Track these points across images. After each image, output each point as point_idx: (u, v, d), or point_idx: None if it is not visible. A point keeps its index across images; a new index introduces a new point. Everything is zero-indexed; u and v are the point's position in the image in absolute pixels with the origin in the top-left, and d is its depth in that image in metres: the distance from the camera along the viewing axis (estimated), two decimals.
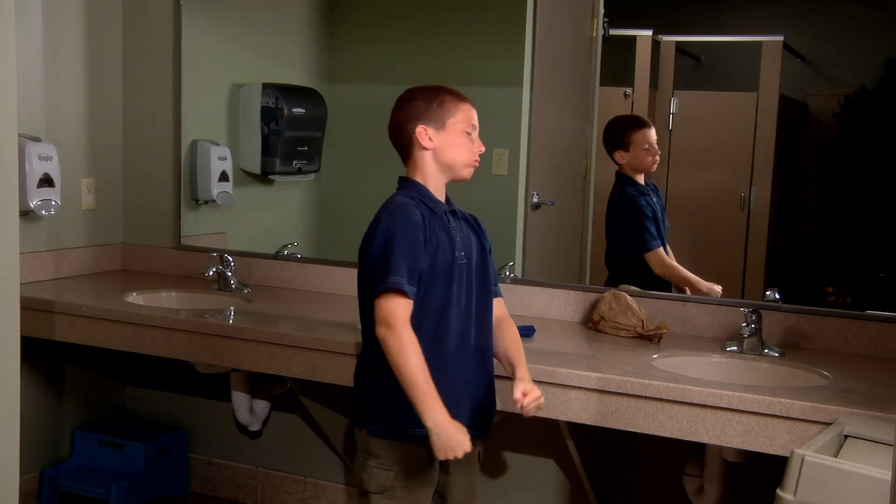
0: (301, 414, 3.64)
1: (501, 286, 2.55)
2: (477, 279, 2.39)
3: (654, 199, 3.36)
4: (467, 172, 2.39)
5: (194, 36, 3.86)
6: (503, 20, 3.58)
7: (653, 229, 3.33)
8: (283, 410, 3.69)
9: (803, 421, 2.35)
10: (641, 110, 3.44)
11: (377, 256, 2.25)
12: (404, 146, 2.39)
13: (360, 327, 2.44)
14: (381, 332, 2.19)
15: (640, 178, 3.35)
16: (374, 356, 2.28)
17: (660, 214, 3.35)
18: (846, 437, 2.13)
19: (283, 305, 3.42)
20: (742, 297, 3.19)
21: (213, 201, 3.91)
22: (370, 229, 2.33)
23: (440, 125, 2.34)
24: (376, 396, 2.33)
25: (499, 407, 2.67)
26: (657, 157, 3.33)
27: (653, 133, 3.32)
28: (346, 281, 3.59)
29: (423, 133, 2.34)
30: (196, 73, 3.88)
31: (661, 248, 3.32)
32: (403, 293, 2.20)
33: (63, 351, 3.63)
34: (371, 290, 2.26)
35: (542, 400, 2.33)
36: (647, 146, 3.31)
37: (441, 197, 2.40)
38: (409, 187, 2.38)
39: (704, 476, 2.90)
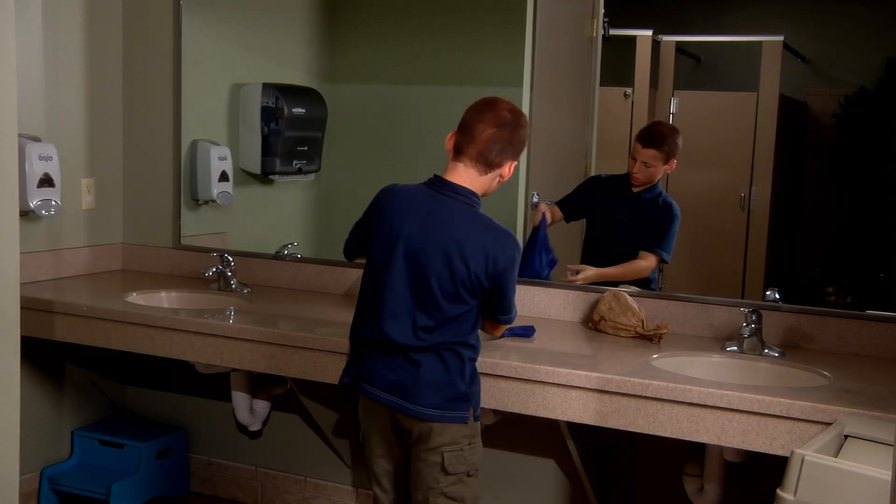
0: (301, 414, 3.64)
1: None
2: None
3: (618, 197, 3.35)
4: None
5: (194, 36, 3.86)
6: (503, 20, 3.58)
7: (571, 199, 3.45)
8: (283, 410, 3.69)
9: (803, 421, 2.35)
10: (641, 110, 3.44)
11: (508, 284, 2.50)
12: (494, 164, 2.46)
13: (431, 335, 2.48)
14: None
15: (635, 180, 3.33)
16: (474, 354, 2.52)
17: (600, 206, 3.42)
18: (846, 437, 2.13)
19: (283, 305, 3.42)
20: (742, 297, 3.19)
21: (213, 201, 3.91)
22: (500, 252, 2.44)
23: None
24: (477, 388, 2.54)
25: (497, 407, 2.69)
26: (635, 172, 3.27)
27: (643, 150, 3.25)
28: (347, 281, 3.59)
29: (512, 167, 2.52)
30: (196, 73, 3.88)
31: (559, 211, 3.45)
32: None
33: (63, 351, 3.63)
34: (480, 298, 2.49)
35: None
36: (634, 156, 3.30)
37: None
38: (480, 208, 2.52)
39: (704, 476, 2.90)
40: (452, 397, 2.45)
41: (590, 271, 3.32)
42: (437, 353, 2.44)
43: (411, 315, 2.43)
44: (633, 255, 3.34)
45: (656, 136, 3.28)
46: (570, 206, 3.44)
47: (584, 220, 3.49)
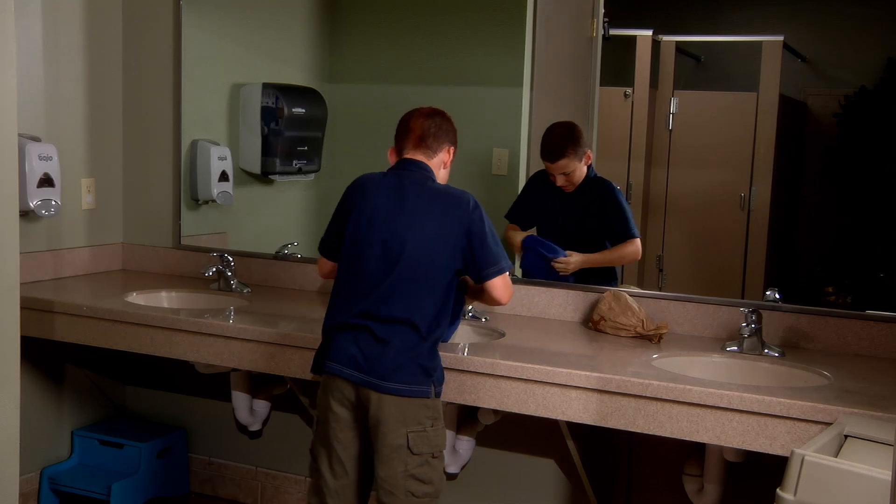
0: (301, 414, 3.64)
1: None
2: None
3: (558, 195, 3.32)
4: None
5: (194, 36, 3.86)
6: (503, 20, 3.58)
7: (518, 206, 3.44)
8: (283, 410, 3.69)
9: (803, 421, 2.35)
10: (641, 110, 3.44)
11: (486, 235, 2.62)
12: (433, 148, 2.68)
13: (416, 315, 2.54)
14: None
15: (566, 189, 3.33)
16: (440, 328, 2.58)
17: (546, 206, 3.39)
18: (846, 437, 2.14)
19: (283, 305, 3.42)
20: (742, 297, 3.19)
21: (213, 201, 3.91)
22: (460, 206, 2.60)
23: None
24: (438, 364, 2.59)
25: (497, 407, 2.69)
26: (561, 185, 3.29)
27: (554, 166, 3.26)
28: None
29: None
30: (196, 73, 3.88)
31: (514, 224, 3.44)
32: None
33: (63, 351, 3.63)
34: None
35: None
36: (551, 173, 3.30)
37: None
38: None
39: (704, 476, 2.90)
40: (415, 372, 2.50)
41: (575, 257, 3.30)
42: (403, 329, 2.51)
43: (384, 292, 2.53)
44: (588, 243, 3.34)
45: (557, 147, 3.27)
46: (525, 211, 3.43)
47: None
